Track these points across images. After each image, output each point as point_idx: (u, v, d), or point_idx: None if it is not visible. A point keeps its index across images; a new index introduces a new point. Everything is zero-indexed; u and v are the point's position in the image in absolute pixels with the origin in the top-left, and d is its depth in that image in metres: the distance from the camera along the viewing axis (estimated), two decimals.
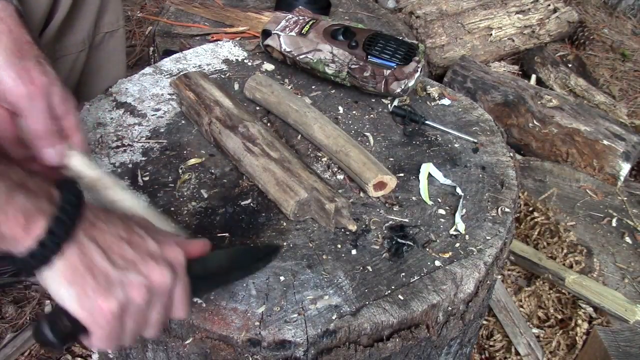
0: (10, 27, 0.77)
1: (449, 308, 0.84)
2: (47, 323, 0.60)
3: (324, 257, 0.85)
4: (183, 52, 1.32)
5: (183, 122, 1.10)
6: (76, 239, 0.58)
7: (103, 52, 1.37)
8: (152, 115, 1.11)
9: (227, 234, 0.87)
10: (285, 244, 0.87)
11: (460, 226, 0.92)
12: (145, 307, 0.63)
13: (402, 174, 1.02)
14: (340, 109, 1.18)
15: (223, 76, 1.25)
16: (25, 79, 0.74)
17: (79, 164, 0.79)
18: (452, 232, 0.92)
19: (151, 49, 2.11)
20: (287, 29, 1.25)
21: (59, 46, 1.29)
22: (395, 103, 1.20)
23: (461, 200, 0.98)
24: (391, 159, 1.06)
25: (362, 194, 0.97)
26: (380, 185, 0.95)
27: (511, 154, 1.10)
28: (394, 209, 0.95)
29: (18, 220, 0.55)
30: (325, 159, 1.04)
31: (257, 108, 1.16)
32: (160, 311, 0.66)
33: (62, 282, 0.58)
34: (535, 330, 1.57)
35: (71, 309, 0.59)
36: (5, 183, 0.55)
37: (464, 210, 0.96)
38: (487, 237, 0.91)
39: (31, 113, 0.74)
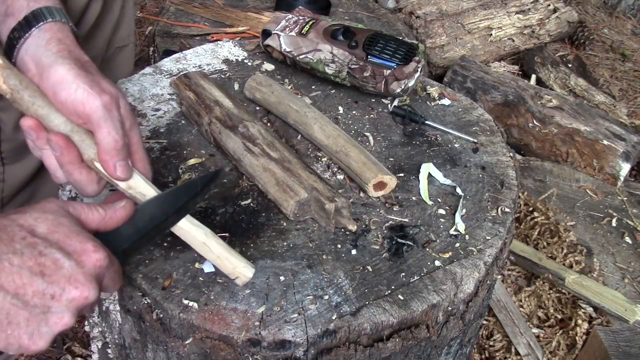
0: (69, 48, 0.77)
1: (449, 308, 0.84)
2: None
3: (324, 257, 0.85)
4: (183, 52, 1.32)
5: (183, 122, 1.10)
6: None
7: (112, 65, 1.38)
8: (152, 115, 1.11)
9: (227, 234, 0.87)
10: (285, 244, 0.87)
11: (460, 226, 0.92)
12: (75, 321, 0.62)
13: (402, 174, 1.02)
14: (340, 109, 1.18)
15: (223, 76, 1.25)
16: (97, 89, 0.72)
17: (140, 184, 0.77)
18: (452, 232, 0.92)
19: (151, 49, 2.11)
20: (287, 29, 1.25)
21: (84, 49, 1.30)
22: (395, 103, 1.20)
23: (461, 200, 0.98)
24: (391, 159, 1.06)
25: (362, 194, 0.97)
26: (380, 185, 0.95)
27: (511, 154, 1.10)
28: (394, 209, 0.95)
29: None
30: (325, 159, 1.04)
31: (257, 108, 1.16)
32: (91, 309, 0.65)
33: None
34: (535, 330, 1.57)
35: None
36: None
37: (464, 210, 0.96)
38: (487, 237, 0.91)
39: (106, 123, 0.73)
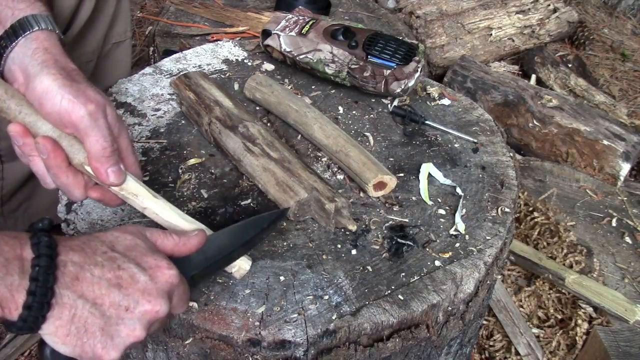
0: (55, 57, 0.77)
1: (449, 308, 0.84)
2: (48, 348, 0.61)
3: (324, 257, 0.85)
4: (183, 52, 1.32)
5: (183, 122, 1.10)
6: (60, 302, 0.58)
7: (109, 61, 1.38)
8: (152, 115, 1.11)
9: None
10: (285, 244, 0.87)
11: (460, 226, 0.92)
12: (145, 337, 0.64)
13: (402, 174, 1.02)
14: (340, 109, 1.18)
15: (223, 76, 1.25)
16: (82, 98, 0.73)
17: (134, 186, 0.78)
18: (452, 232, 0.92)
19: (151, 49, 2.11)
20: (287, 29, 1.25)
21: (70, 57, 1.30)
22: (395, 103, 1.20)
23: (461, 200, 0.97)
24: (391, 159, 1.06)
25: (362, 194, 0.97)
26: (380, 185, 0.95)
27: (511, 154, 1.10)
28: (394, 209, 0.95)
29: None
30: (325, 159, 1.04)
31: (257, 108, 1.16)
32: (159, 326, 0.66)
33: (57, 342, 0.59)
34: (535, 330, 1.57)
35: (72, 357, 0.60)
36: None
37: (464, 210, 0.96)
38: (487, 237, 0.91)
39: (94, 131, 0.73)
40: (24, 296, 0.56)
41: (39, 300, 0.56)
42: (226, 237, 0.77)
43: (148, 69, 1.25)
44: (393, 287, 0.81)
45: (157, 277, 0.64)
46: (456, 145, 1.11)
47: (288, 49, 1.22)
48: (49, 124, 0.74)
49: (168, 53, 1.56)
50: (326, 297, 0.78)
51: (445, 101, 1.24)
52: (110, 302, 0.60)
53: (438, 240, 0.90)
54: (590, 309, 1.56)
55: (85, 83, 0.76)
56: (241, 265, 0.78)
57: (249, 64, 1.30)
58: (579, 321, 1.53)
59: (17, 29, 0.79)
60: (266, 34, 1.27)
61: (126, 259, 0.64)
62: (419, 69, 1.15)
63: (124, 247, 0.65)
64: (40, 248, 0.58)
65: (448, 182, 1.01)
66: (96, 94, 0.75)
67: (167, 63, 1.27)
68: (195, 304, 0.76)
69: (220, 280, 0.79)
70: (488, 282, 0.90)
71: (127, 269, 0.63)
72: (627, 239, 1.77)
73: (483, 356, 1.55)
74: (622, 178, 2.08)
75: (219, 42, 1.38)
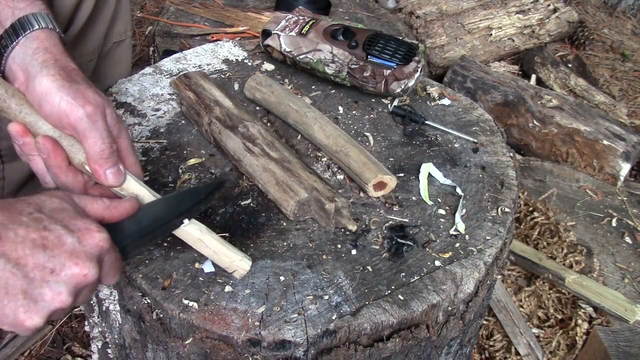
0: (55, 56, 0.77)
1: (449, 308, 0.84)
2: None
3: (324, 257, 0.85)
4: (183, 52, 1.32)
5: (183, 122, 1.10)
6: None
7: (109, 61, 1.38)
8: (152, 115, 1.11)
9: (227, 234, 0.87)
10: (285, 244, 0.87)
11: (460, 226, 0.92)
12: (72, 304, 0.61)
13: (402, 174, 1.02)
14: (340, 109, 1.18)
15: (223, 76, 1.25)
16: (80, 100, 0.73)
17: (134, 186, 0.78)
18: (452, 232, 0.92)
19: (151, 49, 2.11)
20: (287, 29, 1.25)
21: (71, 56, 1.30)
22: (395, 103, 1.20)
23: (461, 200, 0.97)
24: (391, 159, 1.06)
25: (362, 194, 0.97)
26: (380, 185, 0.95)
27: (511, 154, 1.10)
28: (394, 209, 0.95)
29: None
30: (325, 159, 1.04)
31: (257, 108, 1.16)
32: (87, 294, 0.64)
33: None
34: (535, 330, 1.57)
35: None
36: None
37: (464, 210, 0.96)
38: (487, 237, 0.91)
39: (92, 133, 0.73)
40: None
41: None
42: (162, 207, 0.75)
43: (148, 69, 1.25)
44: (393, 287, 0.81)
45: (85, 239, 0.62)
46: (456, 145, 1.11)
47: (288, 49, 1.22)
48: (49, 124, 0.75)
49: (168, 53, 1.56)
50: (326, 297, 0.78)
51: (445, 101, 1.24)
52: (34, 263, 0.58)
53: (438, 240, 0.90)
54: (590, 309, 1.56)
55: (85, 83, 0.76)
56: (241, 266, 0.78)
57: (249, 64, 1.30)
58: (579, 321, 1.53)
59: (18, 28, 0.78)
60: (266, 34, 1.27)
61: (53, 221, 0.61)
62: (419, 69, 1.15)
63: (51, 209, 0.63)
64: None
65: (448, 182, 1.01)
66: (95, 95, 0.75)
67: (167, 63, 1.27)
68: (195, 304, 0.76)
69: (220, 280, 0.79)
70: (488, 282, 0.90)
71: (53, 230, 0.60)
72: (627, 239, 1.77)
73: (483, 356, 1.55)
74: (622, 178, 2.08)
75: (219, 42, 1.38)
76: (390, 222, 0.92)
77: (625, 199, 1.94)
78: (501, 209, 0.97)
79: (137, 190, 0.78)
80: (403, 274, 0.83)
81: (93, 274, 0.62)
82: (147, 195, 0.78)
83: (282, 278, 0.80)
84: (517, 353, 1.51)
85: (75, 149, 0.75)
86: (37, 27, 0.79)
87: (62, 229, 0.61)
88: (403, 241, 0.88)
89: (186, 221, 0.76)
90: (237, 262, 0.78)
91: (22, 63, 0.77)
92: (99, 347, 1.02)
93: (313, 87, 1.24)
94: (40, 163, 0.76)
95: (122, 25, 1.36)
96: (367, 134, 1.11)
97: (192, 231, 0.77)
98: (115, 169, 0.75)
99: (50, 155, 0.73)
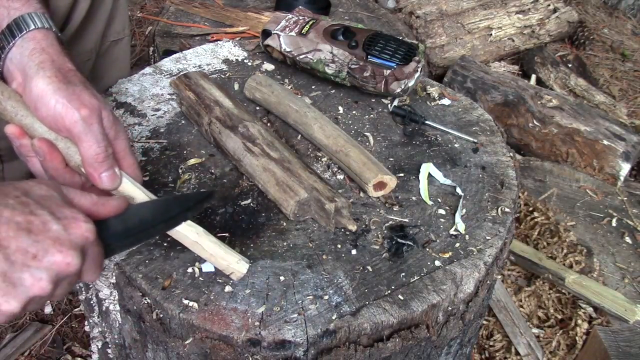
0: (52, 57, 0.76)
1: (449, 308, 0.84)
2: None
3: (324, 257, 0.85)
4: (183, 52, 1.32)
5: (183, 122, 1.10)
6: None
7: (108, 60, 1.38)
8: (152, 115, 1.11)
9: (227, 234, 0.87)
10: (285, 244, 0.87)
11: (460, 226, 0.92)
12: (51, 293, 0.60)
13: (402, 174, 1.02)
14: (340, 109, 1.18)
15: (223, 76, 1.25)
16: (76, 103, 0.72)
17: (130, 189, 0.77)
18: (452, 232, 0.92)
19: (151, 49, 2.11)
20: (287, 29, 1.25)
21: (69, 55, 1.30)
22: (395, 103, 1.20)
23: (461, 200, 0.98)
24: (391, 159, 1.06)
25: (362, 194, 0.97)
26: (380, 185, 0.95)
27: (511, 154, 1.10)
28: (394, 209, 0.95)
29: None
30: (325, 159, 1.04)
31: (257, 108, 1.16)
32: (67, 287, 0.62)
33: None
34: (535, 330, 1.57)
35: None
36: None
37: (464, 210, 0.96)
38: (487, 237, 0.91)
39: (87, 137, 0.72)
40: None
41: None
42: (149, 210, 0.74)
43: (148, 69, 1.25)
44: (393, 287, 0.81)
45: (71, 227, 0.61)
46: (456, 145, 1.11)
47: (288, 49, 1.22)
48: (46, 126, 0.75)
49: (168, 53, 1.56)
50: (326, 297, 0.78)
51: (445, 101, 1.24)
52: (17, 246, 0.57)
53: (438, 240, 0.90)
54: (590, 309, 1.56)
55: (82, 85, 0.75)
56: (238, 269, 0.78)
57: (249, 64, 1.30)
58: (579, 321, 1.53)
59: (14, 29, 0.78)
60: (266, 34, 1.27)
61: (39, 206, 0.60)
62: (419, 69, 1.15)
63: (39, 195, 0.62)
64: None
65: (448, 182, 1.01)
66: (91, 98, 0.74)
67: (167, 63, 1.27)
68: (195, 304, 0.76)
69: (220, 280, 0.79)
70: (488, 282, 0.90)
71: (39, 215, 0.59)
72: (627, 239, 1.77)
73: (483, 356, 1.55)
74: (622, 178, 2.08)
75: (219, 42, 1.38)
76: (390, 222, 0.92)
77: (625, 199, 1.94)
78: (501, 209, 0.97)
79: (134, 192, 0.78)
80: (403, 274, 0.83)
81: (76, 264, 0.60)
82: (143, 197, 0.78)
83: (282, 278, 0.80)
84: (517, 353, 1.51)
85: (72, 151, 0.75)
86: (33, 27, 0.78)
87: (49, 215, 0.60)
88: (403, 241, 0.88)
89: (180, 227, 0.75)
90: (234, 264, 0.77)
91: (19, 64, 0.76)
92: (99, 347, 1.02)
93: (313, 87, 1.24)
94: (38, 164, 0.76)
95: (120, 23, 1.36)
96: (367, 134, 1.11)
97: (188, 234, 0.77)
98: (110, 173, 0.75)
99: (46, 157, 0.73)
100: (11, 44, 0.78)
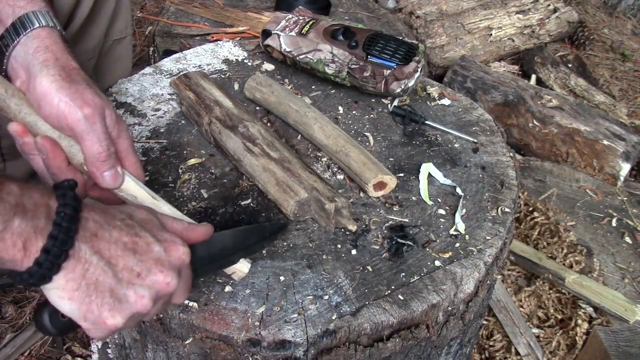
0: (56, 55, 0.77)
1: (449, 308, 0.84)
2: (47, 312, 0.61)
3: (324, 257, 0.85)
4: (183, 52, 1.32)
5: (183, 122, 1.10)
6: (76, 255, 0.58)
7: (110, 58, 1.38)
8: (152, 115, 1.11)
9: None
10: (285, 244, 0.87)
11: (460, 226, 0.92)
12: (150, 311, 0.63)
13: (402, 174, 1.02)
14: (340, 109, 1.18)
15: (223, 76, 1.25)
16: (78, 101, 0.72)
17: (133, 187, 0.78)
18: (452, 232, 0.92)
19: (151, 49, 2.11)
20: (287, 29, 1.25)
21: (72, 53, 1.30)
22: (395, 103, 1.20)
23: (461, 200, 0.97)
24: (391, 159, 1.06)
25: (362, 194, 0.97)
26: (380, 185, 0.95)
27: (511, 154, 1.10)
28: (394, 209, 0.95)
29: (16, 245, 0.54)
30: (325, 159, 1.04)
31: (257, 108, 1.16)
32: (161, 306, 0.66)
33: (63, 297, 0.58)
34: (535, 330, 1.57)
35: (74, 318, 0.59)
36: (1, 206, 0.54)
37: (464, 210, 0.96)
38: (487, 237, 0.91)
39: (89, 135, 0.73)
40: (45, 239, 0.55)
41: (58, 246, 0.55)
42: (230, 239, 0.77)
43: (148, 69, 1.25)
44: (393, 287, 0.81)
45: (171, 250, 0.65)
46: (456, 145, 1.11)
47: (288, 49, 1.22)
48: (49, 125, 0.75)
49: (168, 53, 1.56)
50: (326, 297, 0.78)
51: (445, 101, 1.24)
52: (124, 264, 0.60)
53: (438, 240, 0.90)
54: (590, 309, 1.56)
55: (85, 84, 0.76)
56: (240, 269, 0.78)
57: (249, 64, 1.30)
58: (579, 321, 1.53)
59: (18, 28, 0.78)
60: (266, 34, 1.27)
61: (143, 229, 0.64)
62: (419, 69, 1.15)
63: (141, 219, 0.66)
64: (65, 199, 0.58)
65: (448, 182, 1.01)
66: (94, 96, 0.75)
67: (167, 63, 1.27)
68: (195, 304, 0.76)
69: (220, 280, 0.79)
70: (488, 282, 0.90)
71: (143, 237, 0.63)
72: (627, 239, 1.77)
73: (483, 356, 1.55)
74: (622, 178, 2.08)
75: (219, 42, 1.38)
76: (390, 222, 0.92)
77: (625, 199, 1.94)
78: (501, 209, 0.97)
79: (136, 191, 0.78)
80: (403, 274, 0.83)
81: (174, 284, 0.64)
82: (146, 197, 0.78)
83: (282, 278, 0.80)
84: (517, 353, 1.51)
85: (75, 149, 0.75)
86: (37, 25, 0.79)
87: (151, 237, 0.64)
88: (403, 241, 0.88)
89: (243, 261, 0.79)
90: (236, 264, 0.78)
91: (23, 62, 0.77)
92: (99, 347, 1.02)
93: (313, 87, 1.24)
94: (41, 162, 0.76)
95: (123, 22, 1.36)
96: (367, 134, 1.11)
97: None
98: (112, 172, 0.75)
99: (49, 155, 0.74)
100: (15, 41, 0.78)
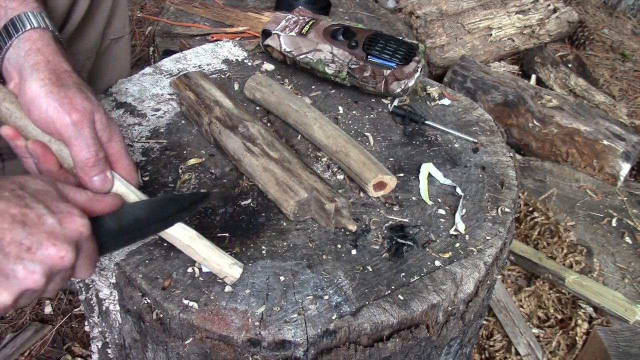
0: (47, 58, 0.76)
1: (449, 308, 0.84)
2: None
3: (324, 257, 0.85)
4: (183, 52, 1.32)
5: (183, 122, 1.10)
6: None
7: (108, 58, 1.38)
8: (152, 115, 1.11)
9: (227, 234, 0.87)
10: (285, 244, 0.87)
11: (460, 226, 0.92)
12: (43, 287, 0.60)
13: (402, 174, 1.02)
14: (340, 109, 1.18)
15: (223, 76, 1.25)
16: (67, 107, 0.72)
17: (123, 192, 0.77)
18: (452, 232, 0.92)
19: (151, 49, 2.11)
20: (287, 29, 1.25)
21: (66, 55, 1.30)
22: (395, 103, 1.20)
23: (461, 200, 0.97)
24: (391, 159, 1.06)
25: (362, 194, 0.97)
26: (380, 185, 0.95)
27: (511, 154, 1.10)
28: (394, 209, 0.95)
29: None
30: (325, 159, 1.04)
31: (257, 108, 1.16)
32: (60, 282, 0.63)
33: None
34: (535, 330, 1.57)
35: None
36: None
37: (464, 210, 0.96)
38: (487, 237, 0.91)
39: (77, 141, 0.72)
40: None
41: None
42: (143, 210, 0.74)
43: (148, 69, 1.25)
44: (393, 287, 0.81)
45: (66, 222, 0.61)
46: (456, 145, 1.11)
47: (288, 49, 1.22)
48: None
49: (168, 53, 1.56)
50: (326, 297, 0.78)
51: (445, 101, 1.24)
52: (11, 238, 0.57)
53: (438, 240, 0.90)
54: (590, 309, 1.56)
55: (75, 88, 0.75)
56: (231, 273, 0.78)
57: (249, 64, 1.30)
58: (579, 321, 1.53)
59: (10, 29, 0.78)
60: (266, 34, 1.27)
61: (35, 200, 0.60)
62: (419, 69, 1.15)
63: (35, 189, 0.62)
64: None
65: (448, 182, 1.01)
66: (84, 101, 0.74)
67: (167, 63, 1.27)
68: (195, 304, 0.76)
69: (220, 281, 0.79)
70: (488, 282, 0.90)
71: (35, 208, 0.59)
72: (627, 239, 1.77)
73: (483, 356, 1.55)
74: (622, 178, 2.08)
75: (219, 42, 1.38)
76: (390, 222, 0.92)
77: (625, 199, 1.94)
78: (501, 209, 0.97)
79: (127, 195, 0.77)
80: (403, 274, 0.83)
81: (69, 258, 0.60)
82: (136, 200, 0.78)
83: (282, 278, 0.80)
84: (517, 353, 1.51)
85: (65, 153, 0.75)
86: (29, 27, 0.78)
87: (44, 208, 0.60)
88: (403, 241, 0.88)
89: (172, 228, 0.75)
90: (227, 268, 0.77)
91: (16, 65, 0.76)
92: (99, 347, 1.02)
93: (313, 87, 1.24)
94: (33, 165, 0.76)
95: (120, 21, 1.36)
96: (367, 134, 1.11)
97: (182, 237, 0.77)
98: (101, 177, 0.75)
99: (40, 159, 0.74)
100: (8, 44, 0.77)
